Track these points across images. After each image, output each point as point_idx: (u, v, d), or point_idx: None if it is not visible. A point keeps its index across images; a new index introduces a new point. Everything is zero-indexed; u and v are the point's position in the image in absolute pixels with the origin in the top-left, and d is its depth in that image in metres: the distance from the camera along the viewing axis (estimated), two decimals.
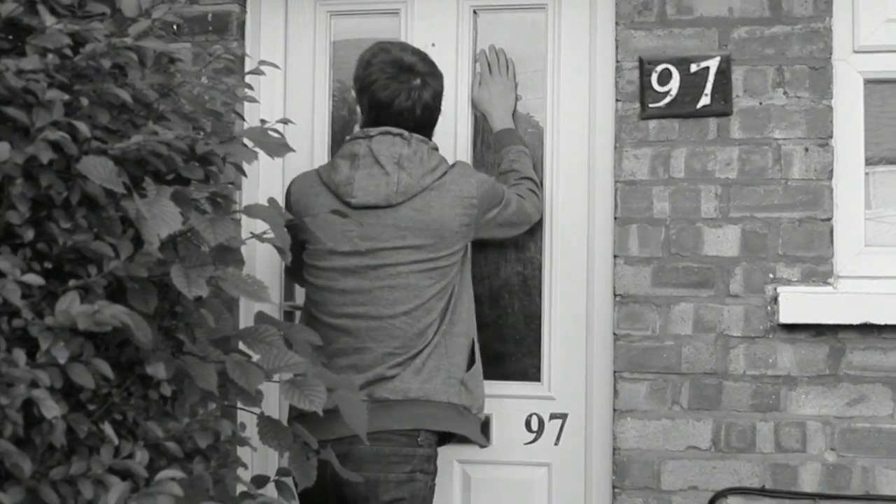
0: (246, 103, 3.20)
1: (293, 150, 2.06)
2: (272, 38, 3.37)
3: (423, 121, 2.91)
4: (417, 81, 2.87)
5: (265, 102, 3.30)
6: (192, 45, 3.20)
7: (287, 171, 3.32)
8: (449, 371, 2.83)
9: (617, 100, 3.07)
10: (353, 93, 3.01)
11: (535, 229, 3.21)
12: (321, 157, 3.33)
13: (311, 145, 3.34)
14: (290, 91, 3.37)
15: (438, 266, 2.82)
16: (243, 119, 2.72)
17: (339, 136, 3.35)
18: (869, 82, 3.03)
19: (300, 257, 2.86)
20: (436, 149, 2.92)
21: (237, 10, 3.27)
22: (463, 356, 2.88)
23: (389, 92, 2.85)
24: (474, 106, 3.28)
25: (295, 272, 2.97)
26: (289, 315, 3.32)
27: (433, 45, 3.25)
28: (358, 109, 2.96)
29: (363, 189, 2.79)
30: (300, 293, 3.31)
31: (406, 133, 2.84)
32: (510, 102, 3.23)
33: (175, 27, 3.16)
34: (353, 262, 2.77)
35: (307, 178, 2.95)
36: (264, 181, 3.33)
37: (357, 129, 2.96)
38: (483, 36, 3.32)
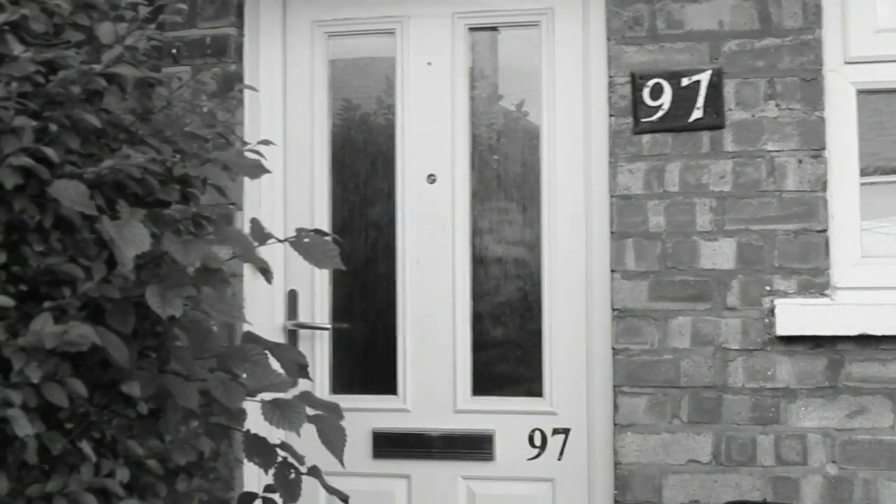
0: (247, 124, 3.27)
1: (269, 172, 2.09)
2: (270, 59, 3.41)
3: None
4: None
5: (265, 123, 3.34)
6: (191, 68, 3.25)
7: (288, 188, 3.36)
8: None
9: (610, 115, 3.08)
10: None
11: (534, 245, 3.22)
12: (321, 175, 3.37)
13: (311, 163, 3.37)
14: (289, 111, 3.41)
15: None
16: (228, 142, 2.75)
17: (338, 155, 3.39)
18: (861, 93, 3.02)
19: None
20: None
21: (235, 33, 3.32)
22: None
23: None
24: None
25: None
26: (292, 334, 3.35)
27: (429, 63, 3.29)
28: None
29: None
30: (304, 312, 3.33)
31: None
32: None
33: (174, 51, 3.21)
34: None
35: None
36: (266, 198, 3.36)
37: None
38: (478, 54, 3.34)
